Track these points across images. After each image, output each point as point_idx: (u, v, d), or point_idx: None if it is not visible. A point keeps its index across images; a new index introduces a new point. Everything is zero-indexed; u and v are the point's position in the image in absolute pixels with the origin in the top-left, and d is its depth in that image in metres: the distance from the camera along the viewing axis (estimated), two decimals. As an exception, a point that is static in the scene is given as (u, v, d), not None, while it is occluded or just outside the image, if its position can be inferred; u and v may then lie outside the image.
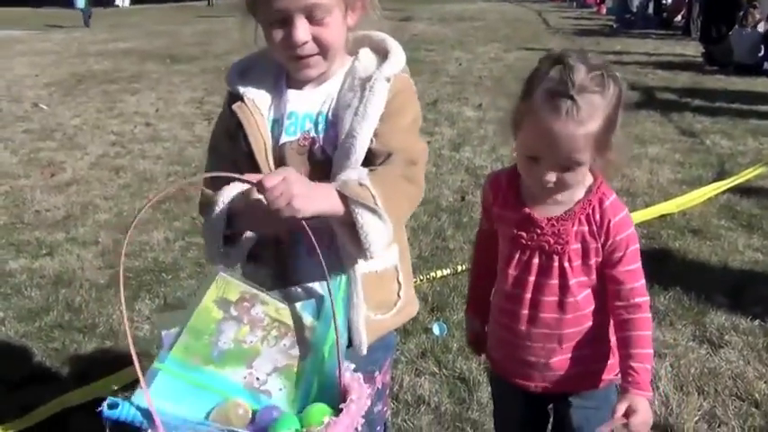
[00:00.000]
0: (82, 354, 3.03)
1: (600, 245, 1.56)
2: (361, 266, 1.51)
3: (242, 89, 1.56)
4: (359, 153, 1.46)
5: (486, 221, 1.77)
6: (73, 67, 11.26)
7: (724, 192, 4.69)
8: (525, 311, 1.62)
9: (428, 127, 6.72)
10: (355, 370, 1.37)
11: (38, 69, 11.00)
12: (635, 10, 14.75)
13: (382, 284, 1.57)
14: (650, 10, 15.52)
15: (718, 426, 2.46)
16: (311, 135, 1.52)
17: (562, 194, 1.57)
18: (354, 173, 1.43)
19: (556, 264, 1.58)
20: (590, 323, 1.63)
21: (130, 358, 1.14)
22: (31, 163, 5.99)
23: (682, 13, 13.81)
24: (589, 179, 1.58)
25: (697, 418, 2.49)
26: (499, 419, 1.93)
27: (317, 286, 1.50)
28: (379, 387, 1.65)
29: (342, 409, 1.25)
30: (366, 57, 1.56)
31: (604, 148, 1.50)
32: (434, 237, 4.14)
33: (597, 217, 1.56)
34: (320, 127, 1.52)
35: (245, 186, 1.36)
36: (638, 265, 1.58)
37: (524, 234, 1.60)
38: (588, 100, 1.43)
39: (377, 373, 1.63)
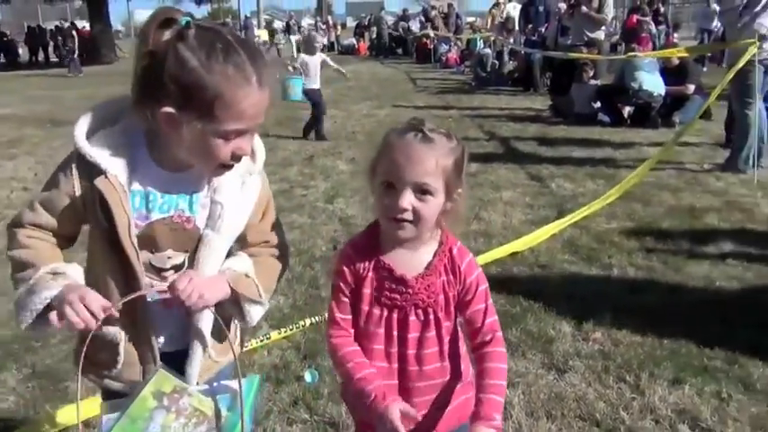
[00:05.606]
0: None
1: (456, 291, 1.58)
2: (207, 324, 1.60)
3: (99, 157, 1.43)
4: (237, 235, 1.59)
5: (342, 301, 1.61)
6: (-53, 133, 10.44)
7: (566, 229, 4.91)
8: (413, 368, 1.59)
9: (304, 180, 6.70)
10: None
11: None
12: (489, 69, 15.49)
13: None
14: (505, 69, 16.33)
15: (565, 447, 2.52)
16: (186, 214, 1.51)
17: (417, 246, 1.57)
18: (241, 263, 1.58)
19: (432, 317, 1.57)
20: (457, 365, 1.64)
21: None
22: None
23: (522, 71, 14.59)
24: (438, 234, 1.59)
25: (546, 441, 2.54)
26: None
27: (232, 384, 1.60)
28: None
29: None
30: None
31: (452, 191, 1.52)
32: (308, 286, 4.07)
33: (450, 266, 1.57)
34: (195, 207, 1.52)
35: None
36: (489, 303, 1.60)
37: (398, 296, 1.56)
38: (437, 137, 1.49)
39: None
